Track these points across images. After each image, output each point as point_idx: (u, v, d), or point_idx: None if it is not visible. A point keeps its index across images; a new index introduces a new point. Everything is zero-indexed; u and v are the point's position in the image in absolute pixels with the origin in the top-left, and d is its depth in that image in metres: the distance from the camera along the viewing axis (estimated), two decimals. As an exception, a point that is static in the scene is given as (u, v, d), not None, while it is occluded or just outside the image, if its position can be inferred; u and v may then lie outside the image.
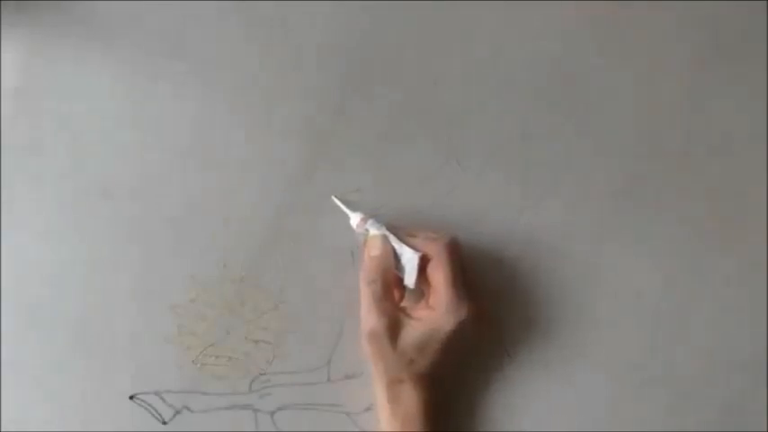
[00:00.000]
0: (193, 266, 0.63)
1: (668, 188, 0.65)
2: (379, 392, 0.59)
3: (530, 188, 0.64)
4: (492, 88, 0.66)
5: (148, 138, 0.64)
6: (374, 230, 0.60)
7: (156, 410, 0.62)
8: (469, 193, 0.64)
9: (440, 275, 0.58)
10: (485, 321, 0.62)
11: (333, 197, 0.63)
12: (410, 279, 0.59)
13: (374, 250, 0.59)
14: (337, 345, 0.63)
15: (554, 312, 0.64)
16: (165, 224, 0.63)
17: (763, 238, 0.65)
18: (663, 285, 0.64)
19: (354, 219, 0.61)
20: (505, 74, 0.66)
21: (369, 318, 0.58)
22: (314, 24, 0.64)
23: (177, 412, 0.62)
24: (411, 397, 0.58)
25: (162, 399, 0.62)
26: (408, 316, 0.58)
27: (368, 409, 0.62)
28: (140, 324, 0.63)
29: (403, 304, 0.60)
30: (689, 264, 0.65)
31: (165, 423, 0.62)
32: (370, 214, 0.61)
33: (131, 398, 0.62)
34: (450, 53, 0.64)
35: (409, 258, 0.58)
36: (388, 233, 0.60)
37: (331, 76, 0.64)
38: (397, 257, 0.59)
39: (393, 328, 0.58)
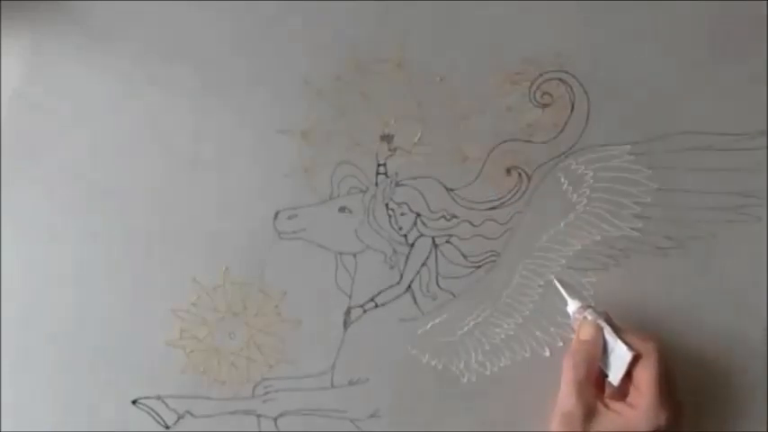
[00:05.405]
0: (195, 269, 0.63)
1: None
2: None
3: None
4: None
5: (148, 138, 0.63)
6: (590, 317, 0.59)
7: (159, 415, 0.62)
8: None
9: (646, 376, 0.56)
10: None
11: (555, 281, 0.63)
12: (616, 375, 0.57)
13: (585, 335, 0.59)
14: (341, 350, 0.63)
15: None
16: (165, 226, 0.63)
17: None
18: None
19: (573, 306, 0.61)
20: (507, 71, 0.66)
21: (567, 399, 0.57)
22: (314, 24, 0.64)
23: (180, 417, 0.62)
24: None
25: (165, 403, 0.62)
26: (606, 407, 0.57)
27: (372, 416, 0.63)
28: (142, 328, 0.63)
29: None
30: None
31: (167, 428, 0.62)
32: (588, 305, 0.60)
33: (134, 402, 0.62)
34: (452, 51, 0.64)
35: (621, 355, 0.57)
36: (604, 324, 0.58)
37: (331, 76, 0.64)
38: (606, 350, 0.58)
39: (589, 414, 0.57)
